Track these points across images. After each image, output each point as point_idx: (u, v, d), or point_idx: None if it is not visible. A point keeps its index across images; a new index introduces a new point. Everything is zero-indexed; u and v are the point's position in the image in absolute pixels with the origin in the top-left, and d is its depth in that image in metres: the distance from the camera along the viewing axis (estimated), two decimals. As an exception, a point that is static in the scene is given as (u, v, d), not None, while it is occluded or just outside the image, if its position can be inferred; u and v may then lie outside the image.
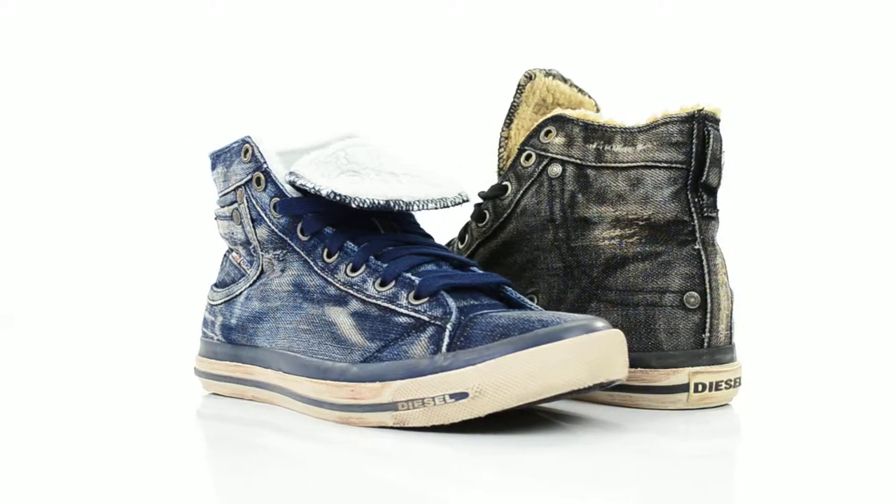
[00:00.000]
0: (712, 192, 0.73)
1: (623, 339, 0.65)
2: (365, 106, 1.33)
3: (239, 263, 0.78)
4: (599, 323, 0.64)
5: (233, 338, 0.77)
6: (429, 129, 1.25)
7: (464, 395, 0.63)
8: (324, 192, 0.69)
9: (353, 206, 0.69)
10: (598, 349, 0.62)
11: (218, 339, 0.79)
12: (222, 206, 0.79)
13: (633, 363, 0.72)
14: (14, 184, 1.36)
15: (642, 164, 0.73)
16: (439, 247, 0.73)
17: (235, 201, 0.77)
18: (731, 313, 0.73)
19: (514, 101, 0.79)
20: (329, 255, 0.71)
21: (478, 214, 0.81)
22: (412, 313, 0.66)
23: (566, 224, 0.75)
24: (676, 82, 1.33)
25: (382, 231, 0.73)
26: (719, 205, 0.75)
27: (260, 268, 0.76)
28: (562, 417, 0.70)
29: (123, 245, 1.33)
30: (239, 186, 0.76)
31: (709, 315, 0.72)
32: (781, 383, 0.88)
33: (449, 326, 0.65)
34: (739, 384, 0.74)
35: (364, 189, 0.70)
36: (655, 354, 0.72)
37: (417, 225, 0.76)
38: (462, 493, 0.54)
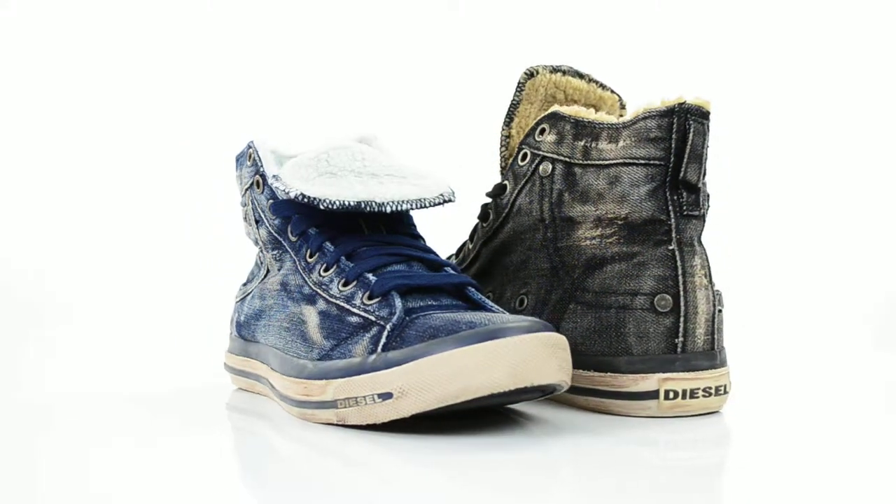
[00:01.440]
0: (693, 189, 0.70)
1: (559, 343, 0.63)
2: (378, 106, 1.33)
3: (257, 262, 0.82)
4: (531, 326, 0.62)
5: (242, 334, 0.81)
6: (440, 128, 1.24)
7: (389, 396, 0.63)
8: (292, 195, 0.71)
9: (322, 207, 0.70)
10: (522, 353, 0.61)
11: (234, 335, 0.83)
12: (242, 208, 0.82)
13: (604, 368, 0.70)
14: (77, 186, 1.37)
15: (621, 161, 0.71)
16: (419, 248, 0.73)
17: (246, 203, 0.80)
18: (714, 318, 0.70)
19: (513, 99, 0.79)
20: (311, 256, 0.73)
21: (483, 214, 0.81)
22: (362, 313, 0.67)
23: (554, 224, 0.74)
24: (702, 78, 1.29)
25: (366, 232, 0.74)
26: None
27: (266, 267, 0.79)
28: (535, 421, 0.69)
29: (178, 241, 1.33)
30: (246, 189, 0.80)
31: (682, 319, 0.69)
32: (783, 392, 0.83)
33: (388, 327, 0.65)
34: (724, 392, 0.70)
35: (335, 191, 0.71)
36: (625, 359, 0.69)
37: (409, 226, 0.76)
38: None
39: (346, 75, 1.37)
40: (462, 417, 0.68)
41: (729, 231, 1.29)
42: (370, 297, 0.68)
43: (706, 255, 0.71)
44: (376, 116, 1.27)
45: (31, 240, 1.30)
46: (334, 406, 0.66)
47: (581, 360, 0.71)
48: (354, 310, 0.68)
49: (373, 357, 0.64)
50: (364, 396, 0.64)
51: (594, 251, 0.71)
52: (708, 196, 0.72)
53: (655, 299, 0.69)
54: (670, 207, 0.70)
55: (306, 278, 0.72)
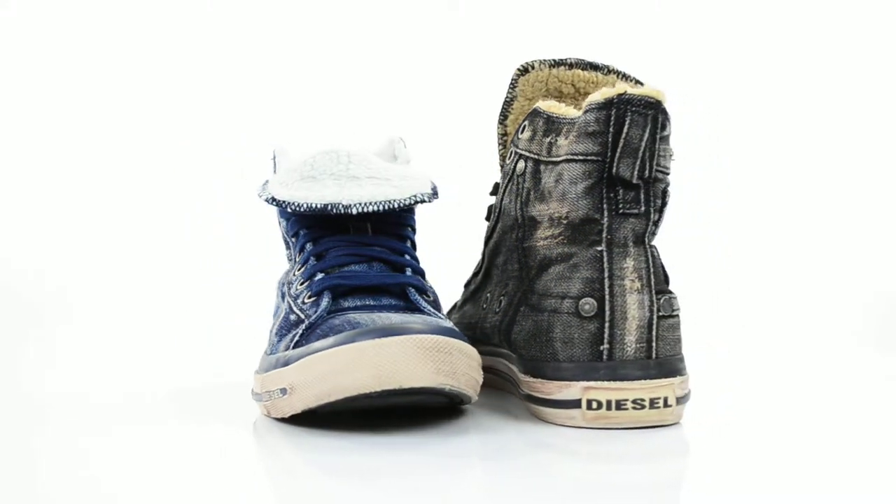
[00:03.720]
0: (629, 185, 0.66)
1: (443, 346, 0.62)
2: (387, 106, 1.29)
3: None
4: (419, 328, 0.62)
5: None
6: (451, 127, 1.18)
7: (286, 391, 0.65)
8: (264, 198, 0.75)
9: (289, 210, 0.74)
10: (387, 355, 0.61)
11: None
12: None
13: (536, 373, 0.68)
14: (80, 186, 1.34)
15: (564, 157, 0.68)
16: (393, 248, 0.74)
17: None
18: (652, 325, 0.65)
19: (507, 96, 0.77)
20: (298, 255, 0.77)
21: (486, 214, 0.80)
22: (298, 312, 0.70)
23: (524, 224, 0.72)
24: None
25: (351, 232, 0.76)
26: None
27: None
28: (467, 424, 0.69)
29: (177, 241, 1.30)
30: None
31: (607, 324, 0.65)
32: (750, 406, 0.77)
33: (304, 325, 0.67)
34: (665, 406, 0.65)
35: (306, 194, 0.74)
36: (552, 365, 0.66)
37: (399, 226, 0.77)
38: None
39: (362, 76, 1.34)
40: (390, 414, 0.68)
41: (727, 231, 1.27)
42: (310, 296, 0.70)
43: (648, 257, 0.66)
44: (384, 116, 1.26)
45: (32, 239, 1.29)
46: (261, 399, 0.69)
47: (523, 364, 0.69)
48: (295, 308, 0.70)
49: (287, 353, 0.67)
50: (273, 391, 0.67)
51: (545, 252, 0.69)
52: (663, 193, 0.67)
53: (580, 303, 0.65)
54: (605, 206, 0.66)
55: (288, 277, 0.76)
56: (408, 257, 0.74)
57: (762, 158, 1.32)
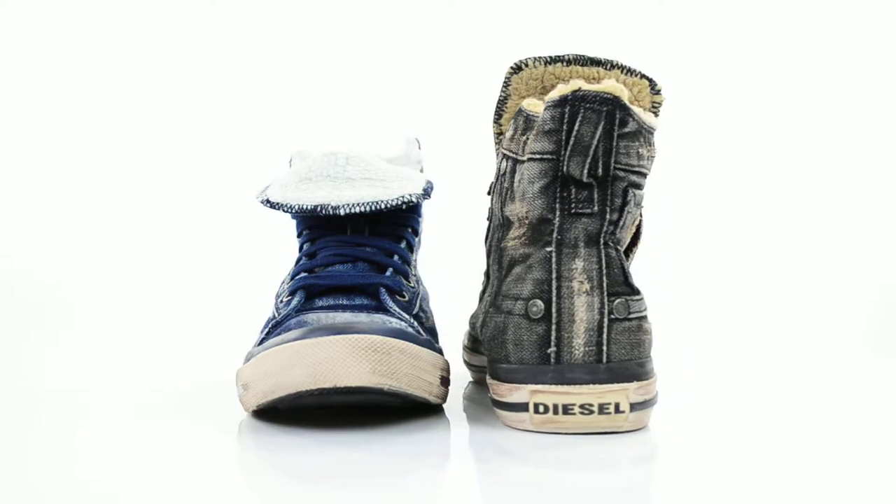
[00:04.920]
0: (581, 184, 0.64)
1: (379, 346, 0.62)
2: (405, 108, 1.27)
3: None
4: (357, 328, 0.63)
5: None
6: (465, 126, 1.13)
7: (245, 388, 0.67)
8: (259, 200, 0.77)
9: (282, 211, 0.76)
10: (322, 354, 0.62)
11: None
12: None
13: (493, 374, 0.67)
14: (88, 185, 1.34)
15: (527, 156, 0.67)
16: (383, 249, 0.75)
17: None
18: (603, 328, 0.63)
19: (500, 95, 0.76)
20: (298, 254, 0.79)
21: (489, 215, 0.80)
22: (274, 310, 0.72)
23: (502, 224, 0.72)
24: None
25: (349, 233, 0.77)
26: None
27: None
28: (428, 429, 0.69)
29: (178, 241, 1.29)
30: None
31: (554, 327, 0.63)
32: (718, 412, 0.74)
33: (272, 323, 0.69)
34: (618, 411, 0.63)
35: (301, 195, 0.75)
36: (504, 367, 0.65)
37: (397, 226, 0.77)
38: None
39: (374, 77, 1.33)
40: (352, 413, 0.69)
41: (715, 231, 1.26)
42: (287, 295, 0.72)
43: (601, 258, 0.64)
44: (398, 117, 1.24)
45: (34, 238, 1.29)
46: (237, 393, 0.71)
47: (488, 365, 0.68)
48: (273, 306, 0.72)
49: (251, 350, 0.69)
50: (237, 386, 0.69)
51: (512, 253, 0.68)
52: (625, 192, 0.65)
53: (528, 305, 0.64)
54: (557, 205, 0.64)
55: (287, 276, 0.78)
56: (396, 258, 0.74)
57: (755, 158, 1.31)
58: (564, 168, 0.63)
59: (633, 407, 0.63)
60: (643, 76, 0.75)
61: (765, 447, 0.64)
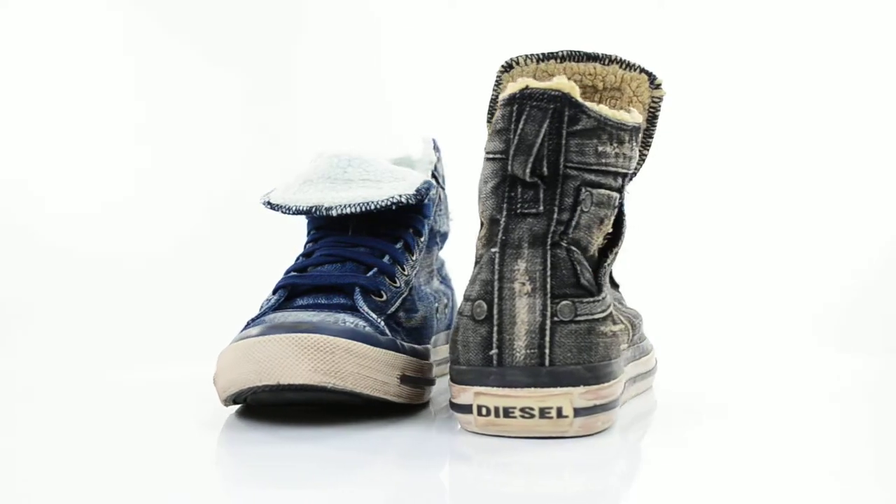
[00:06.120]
0: (527, 184, 0.63)
1: (322, 345, 0.63)
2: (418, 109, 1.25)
3: None
4: (295, 326, 0.64)
5: None
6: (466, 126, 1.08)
7: (213, 382, 0.70)
8: (262, 202, 0.79)
9: (280, 213, 0.78)
10: (265, 352, 0.63)
11: None
12: None
13: (450, 376, 0.67)
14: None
15: (484, 156, 0.67)
16: (376, 250, 0.75)
17: None
18: (543, 330, 0.62)
19: (492, 94, 0.76)
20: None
21: (490, 215, 0.79)
22: (259, 309, 0.74)
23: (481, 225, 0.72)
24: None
25: (350, 233, 0.79)
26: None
27: None
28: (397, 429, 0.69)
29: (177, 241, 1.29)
30: None
31: (496, 328, 0.63)
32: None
33: (248, 320, 0.72)
34: (561, 416, 0.62)
35: (299, 197, 0.77)
36: (455, 368, 0.65)
37: (397, 227, 0.78)
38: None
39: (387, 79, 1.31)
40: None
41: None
42: (272, 294, 0.74)
43: (546, 259, 0.63)
44: (409, 118, 1.21)
45: (34, 238, 1.27)
46: None
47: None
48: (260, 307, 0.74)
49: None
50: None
51: (476, 254, 0.68)
52: (577, 191, 0.64)
53: (473, 306, 0.64)
54: (504, 205, 0.64)
55: None
56: (386, 258, 0.75)
57: (755, 158, 1.28)
58: (509, 167, 0.63)
59: (579, 412, 0.62)
60: (642, 70, 0.73)
61: (711, 452, 0.61)
